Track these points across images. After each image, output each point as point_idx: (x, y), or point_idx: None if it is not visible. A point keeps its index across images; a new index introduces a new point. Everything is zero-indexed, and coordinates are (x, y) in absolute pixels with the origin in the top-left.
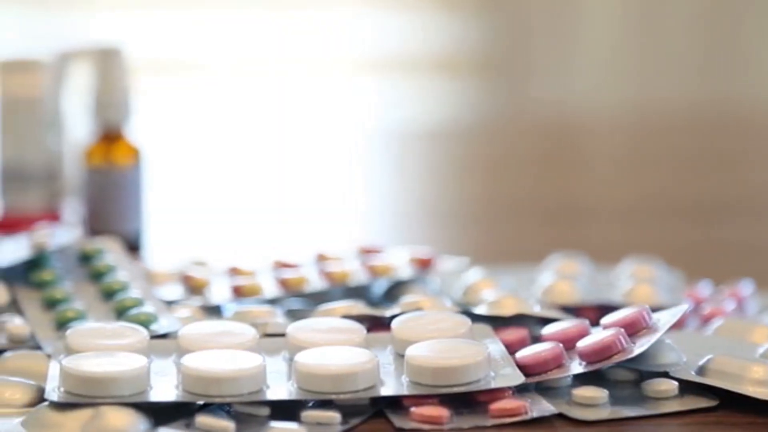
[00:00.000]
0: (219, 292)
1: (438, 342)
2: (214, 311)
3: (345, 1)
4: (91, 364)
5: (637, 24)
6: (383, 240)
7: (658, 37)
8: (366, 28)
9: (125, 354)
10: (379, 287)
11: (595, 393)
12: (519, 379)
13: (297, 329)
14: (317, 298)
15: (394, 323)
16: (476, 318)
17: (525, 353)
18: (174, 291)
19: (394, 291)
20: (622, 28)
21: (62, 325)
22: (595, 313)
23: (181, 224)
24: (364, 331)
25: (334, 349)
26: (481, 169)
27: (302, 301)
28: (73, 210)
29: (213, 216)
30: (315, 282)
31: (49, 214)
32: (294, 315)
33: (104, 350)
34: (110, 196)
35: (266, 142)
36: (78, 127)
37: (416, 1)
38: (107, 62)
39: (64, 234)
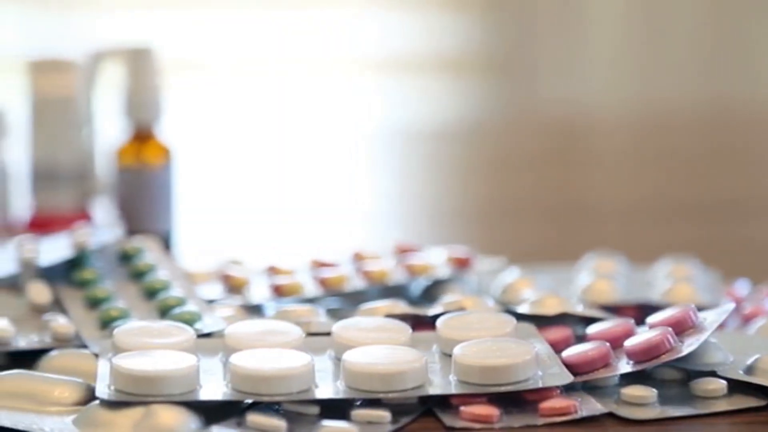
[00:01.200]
0: (259, 292)
1: (485, 341)
2: (254, 310)
3: (350, 0)
4: (142, 363)
5: (643, 23)
6: (389, 240)
7: (663, 36)
8: (371, 28)
9: (174, 353)
10: (416, 287)
11: (645, 392)
12: (567, 378)
13: (342, 328)
14: (354, 298)
15: (439, 322)
16: (519, 317)
17: (572, 352)
18: (213, 290)
19: (432, 290)
20: (627, 27)
21: (106, 324)
22: (635, 312)
23: (206, 223)
24: (410, 330)
25: (381, 348)
26: (487, 168)
27: (338, 300)
28: (103, 210)
29: (232, 215)
30: (354, 281)
31: (80, 213)
32: (335, 314)
33: (152, 349)
34: (141, 196)
35: (273, 142)
36: (109, 126)
37: (423, 0)
38: (139, 62)
39: (105, 233)
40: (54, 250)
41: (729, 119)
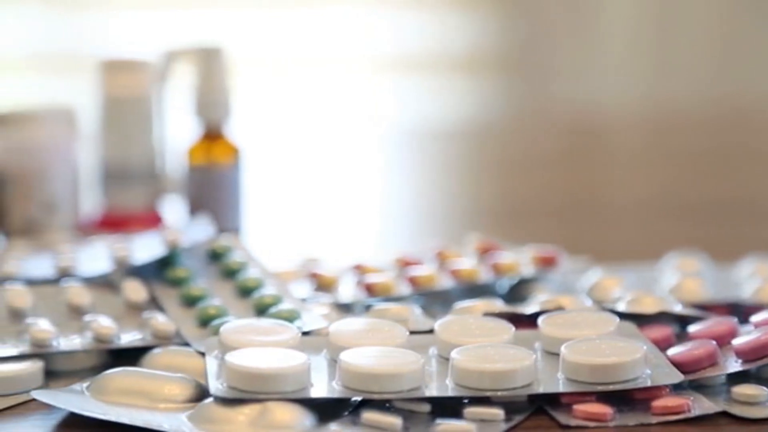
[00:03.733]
0: (348, 290)
1: (591, 339)
2: (345, 308)
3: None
4: (255, 361)
5: (655, 23)
6: (404, 238)
7: (675, 36)
8: (385, 27)
9: (283, 350)
10: (501, 285)
11: (756, 391)
12: (677, 377)
13: (445, 327)
14: (440, 297)
15: (540, 321)
16: (619, 316)
17: (678, 351)
18: (302, 288)
19: (516, 289)
20: (639, 27)
21: (205, 322)
22: (726, 311)
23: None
24: (512, 329)
25: (488, 347)
26: (499, 167)
27: (419, 298)
28: (173, 208)
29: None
30: (443, 280)
31: (150, 212)
32: (430, 313)
33: (258, 347)
34: (211, 195)
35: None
36: (179, 126)
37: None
38: (209, 62)
39: (197, 232)
40: (144, 248)
41: (740, 118)
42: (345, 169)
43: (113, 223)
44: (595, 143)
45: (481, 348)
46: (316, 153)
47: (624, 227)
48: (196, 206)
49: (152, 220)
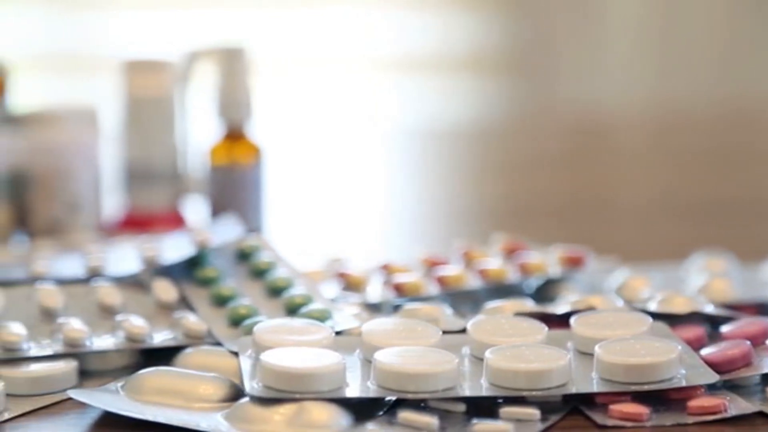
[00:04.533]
0: (377, 290)
1: (625, 339)
2: (374, 308)
3: (370, 0)
4: (291, 360)
5: (659, 24)
6: (408, 240)
7: (679, 36)
8: (390, 27)
9: (318, 350)
10: (528, 285)
11: None
12: (712, 377)
13: (478, 327)
14: (468, 297)
15: (573, 320)
16: (650, 316)
17: (712, 351)
18: (330, 288)
19: (544, 289)
20: (644, 27)
21: (236, 321)
22: (753, 311)
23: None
24: (545, 329)
25: (522, 347)
26: (504, 167)
27: (449, 298)
28: (194, 208)
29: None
30: (471, 280)
31: (172, 212)
32: (459, 313)
33: (293, 346)
34: (233, 194)
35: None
36: (201, 126)
37: (441, 0)
38: (231, 62)
39: (224, 232)
40: (172, 248)
41: (744, 118)
42: (349, 169)
43: (136, 223)
44: (598, 143)
45: (515, 348)
46: (320, 152)
47: (628, 227)
48: (218, 206)
49: (174, 220)
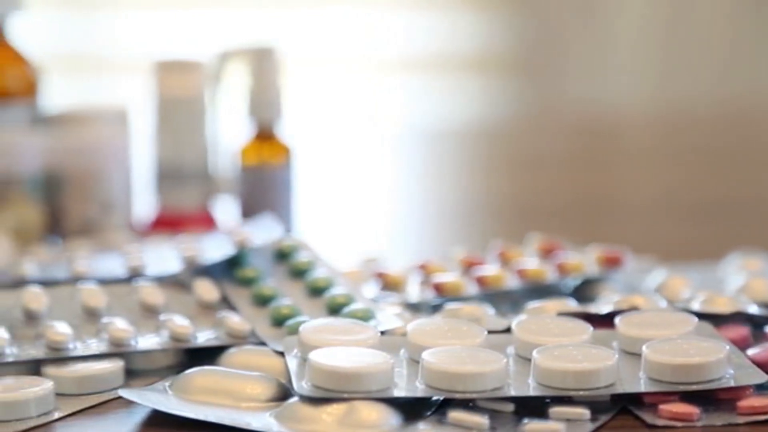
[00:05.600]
0: (416, 289)
1: (672, 339)
2: (413, 308)
3: (376, 0)
4: (340, 360)
5: (665, 24)
6: (415, 239)
7: (685, 35)
8: (397, 27)
9: (365, 350)
10: (566, 285)
11: None
12: (761, 377)
13: (524, 327)
14: (507, 297)
15: (618, 320)
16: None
17: (758, 351)
18: (369, 288)
19: (581, 289)
20: (650, 28)
21: (279, 321)
22: None
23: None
24: (590, 329)
25: (569, 347)
26: (510, 166)
27: (487, 298)
28: (224, 208)
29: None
30: (509, 280)
31: (203, 212)
32: (500, 313)
33: (339, 346)
34: (263, 195)
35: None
36: (232, 126)
37: (447, 0)
38: (262, 62)
39: (263, 232)
40: (212, 248)
41: (750, 117)
42: (357, 169)
43: (166, 223)
44: (604, 143)
45: (562, 347)
46: (327, 152)
47: (633, 226)
48: (248, 206)
49: (205, 221)
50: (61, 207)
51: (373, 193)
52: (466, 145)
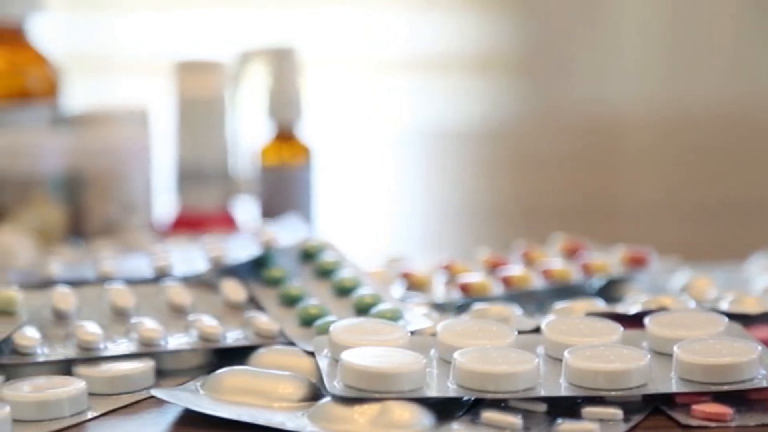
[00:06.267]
0: (442, 290)
1: (703, 339)
2: (440, 308)
3: (379, 0)
4: (372, 360)
5: (669, 24)
6: (417, 239)
7: (689, 35)
8: (401, 28)
9: (396, 350)
10: (591, 285)
11: None
12: None
13: (554, 327)
14: (532, 297)
15: (648, 321)
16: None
17: None
18: (395, 288)
19: (606, 289)
20: (654, 28)
21: (307, 321)
22: None
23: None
24: (621, 329)
25: (600, 347)
26: (514, 167)
27: (512, 299)
28: (244, 208)
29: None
30: (535, 280)
31: (223, 212)
32: (527, 313)
33: (370, 346)
34: (283, 195)
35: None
36: (252, 126)
37: (451, 0)
38: (282, 62)
39: (289, 232)
40: (238, 248)
41: (755, 117)
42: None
43: (187, 223)
44: (608, 143)
45: (594, 348)
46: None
47: (637, 226)
48: (268, 207)
49: (225, 221)
50: (82, 207)
51: (377, 193)
52: (469, 146)
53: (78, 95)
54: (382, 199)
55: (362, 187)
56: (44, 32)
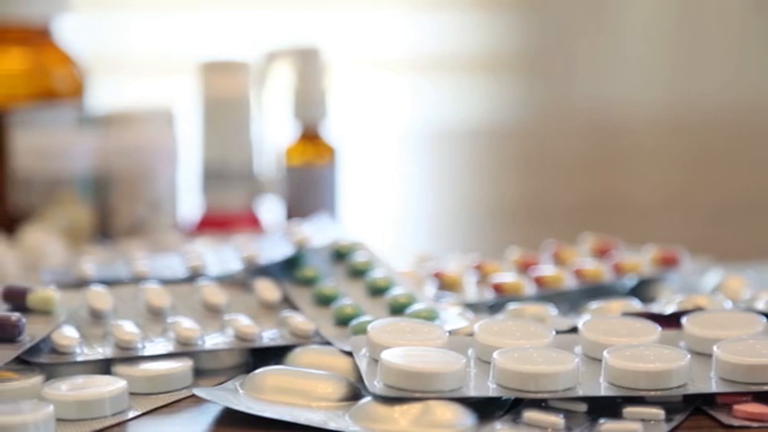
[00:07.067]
0: (473, 289)
1: (743, 339)
2: (472, 308)
3: (386, 0)
4: (413, 360)
5: (675, 24)
6: (419, 240)
7: (695, 35)
8: (407, 28)
9: (435, 350)
10: (622, 286)
11: None
12: None
13: (591, 327)
14: (564, 297)
15: (686, 321)
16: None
17: None
18: (426, 288)
19: (637, 289)
20: (660, 27)
21: (343, 321)
22: None
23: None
24: (659, 329)
25: (640, 347)
26: (520, 167)
27: (544, 299)
28: (270, 208)
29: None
30: (568, 280)
31: (248, 212)
32: (561, 313)
33: (409, 346)
34: (308, 195)
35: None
36: (277, 126)
37: (458, 0)
38: (307, 62)
39: (321, 232)
40: (270, 248)
41: (759, 117)
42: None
43: (212, 223)
44: (614, 143)
45: (633, 348)
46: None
47: (644, 226)
48: (293, 207)
49: (250, 221)
50: (109, 207)
51: (392, 192)
52: (476, 146)
53: (104, 95)
54: (396, 198)
55: (376, 187)
56: (70, 32)
